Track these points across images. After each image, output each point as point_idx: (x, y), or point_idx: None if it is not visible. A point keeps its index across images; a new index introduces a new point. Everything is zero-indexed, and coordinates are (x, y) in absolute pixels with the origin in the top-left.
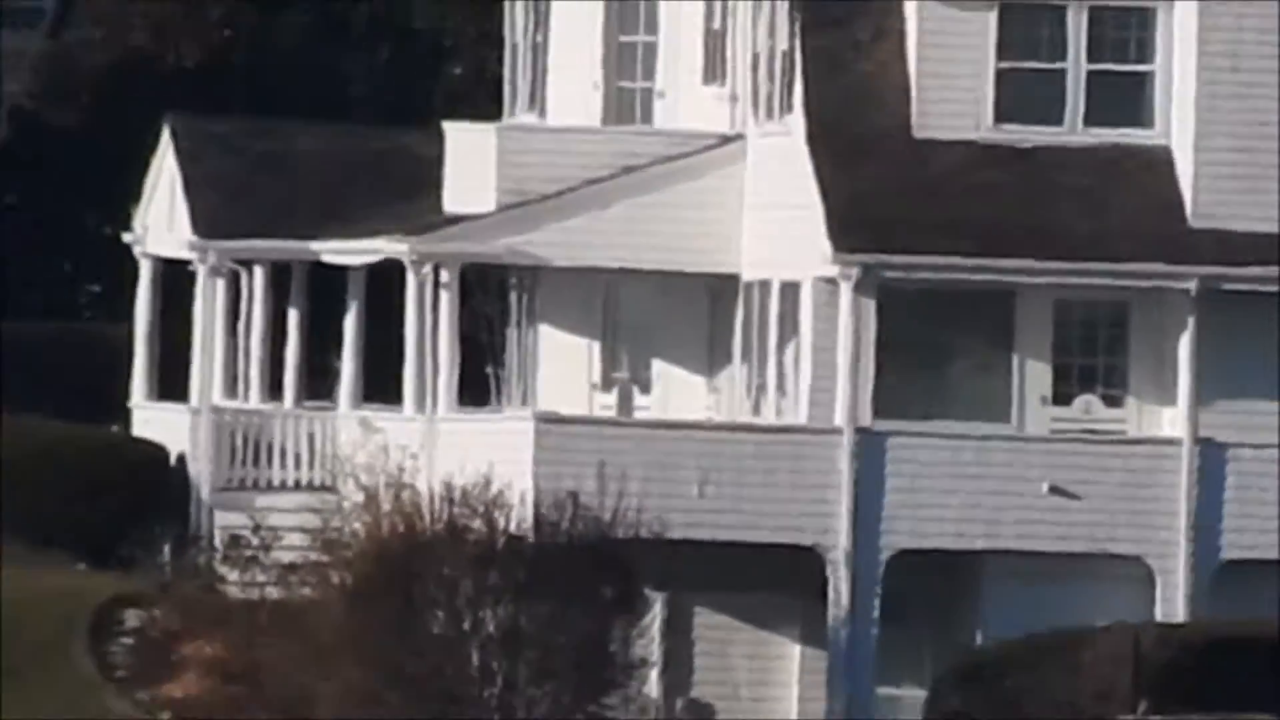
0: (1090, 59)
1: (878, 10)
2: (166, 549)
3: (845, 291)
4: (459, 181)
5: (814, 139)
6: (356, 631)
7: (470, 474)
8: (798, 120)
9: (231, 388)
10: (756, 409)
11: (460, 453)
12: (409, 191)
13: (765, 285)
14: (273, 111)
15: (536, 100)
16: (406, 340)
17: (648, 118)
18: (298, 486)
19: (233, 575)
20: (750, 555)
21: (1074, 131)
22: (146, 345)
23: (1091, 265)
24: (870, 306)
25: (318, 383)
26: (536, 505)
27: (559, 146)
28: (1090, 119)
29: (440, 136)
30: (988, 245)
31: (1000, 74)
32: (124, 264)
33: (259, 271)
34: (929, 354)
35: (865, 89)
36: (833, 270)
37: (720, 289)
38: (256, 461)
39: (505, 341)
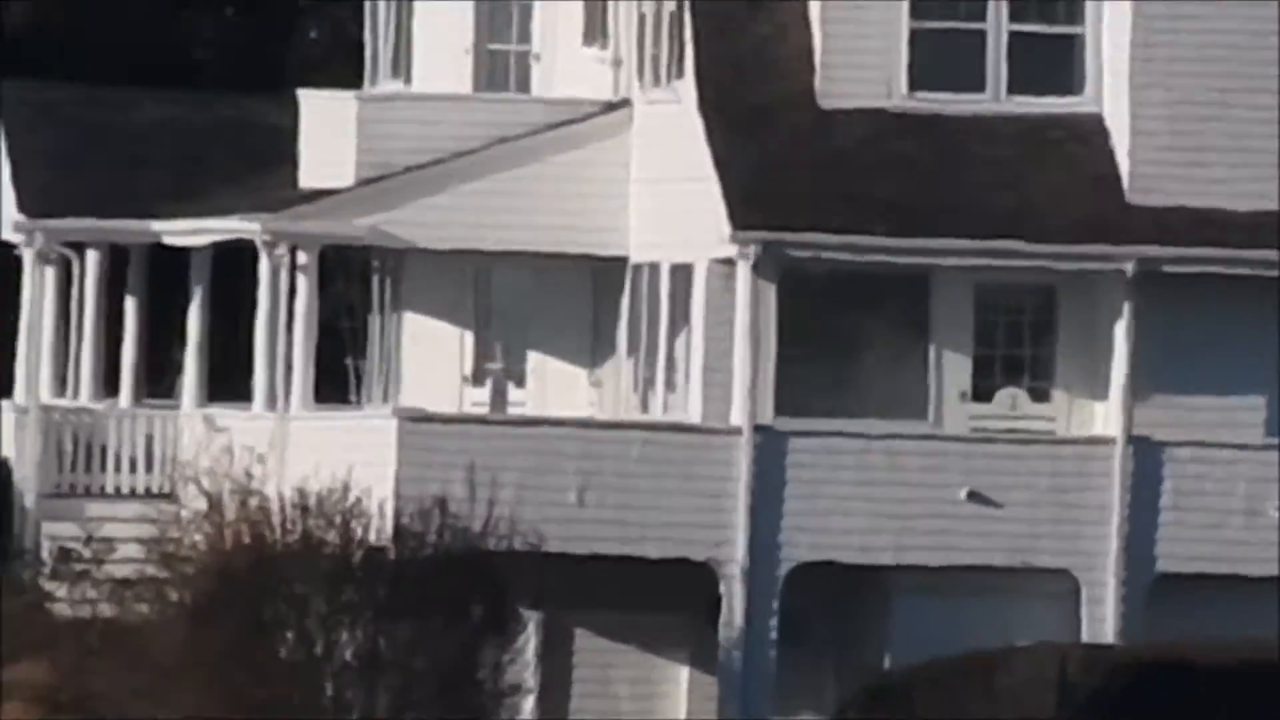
0: (1013, 19)
1: None
2: None
3: (743, 274)
4: (316, 154)
5: (707, 107)
6: (198, 655)
7: (326, 479)
8: (689, 86)
9: (61, 384)
10: (644, 405)
11: (315, 455)
12: (261, 165)
13: (654, 268)
14: (109, 78)
15: (401, 66)
16: (257, 330)
17: (523, 84)
18: (134, 493)
19: (61, 592)
20: (636, 570)
21: (996, 99)
22: None
23: (1015, 245)
24: (771, 291)
25: (157, 378)
26: (398, 514)
27: (426, 116)
28: (1014, 86)
29: (295, 105)
30: (900, 223)
31: (914, 35)
32: None
33: (92, 255)
34: (836, 344)
35: (764, 52)
36: (729, 250)
37: (605, 272)
38: (89, 466)
39: (367, 331)
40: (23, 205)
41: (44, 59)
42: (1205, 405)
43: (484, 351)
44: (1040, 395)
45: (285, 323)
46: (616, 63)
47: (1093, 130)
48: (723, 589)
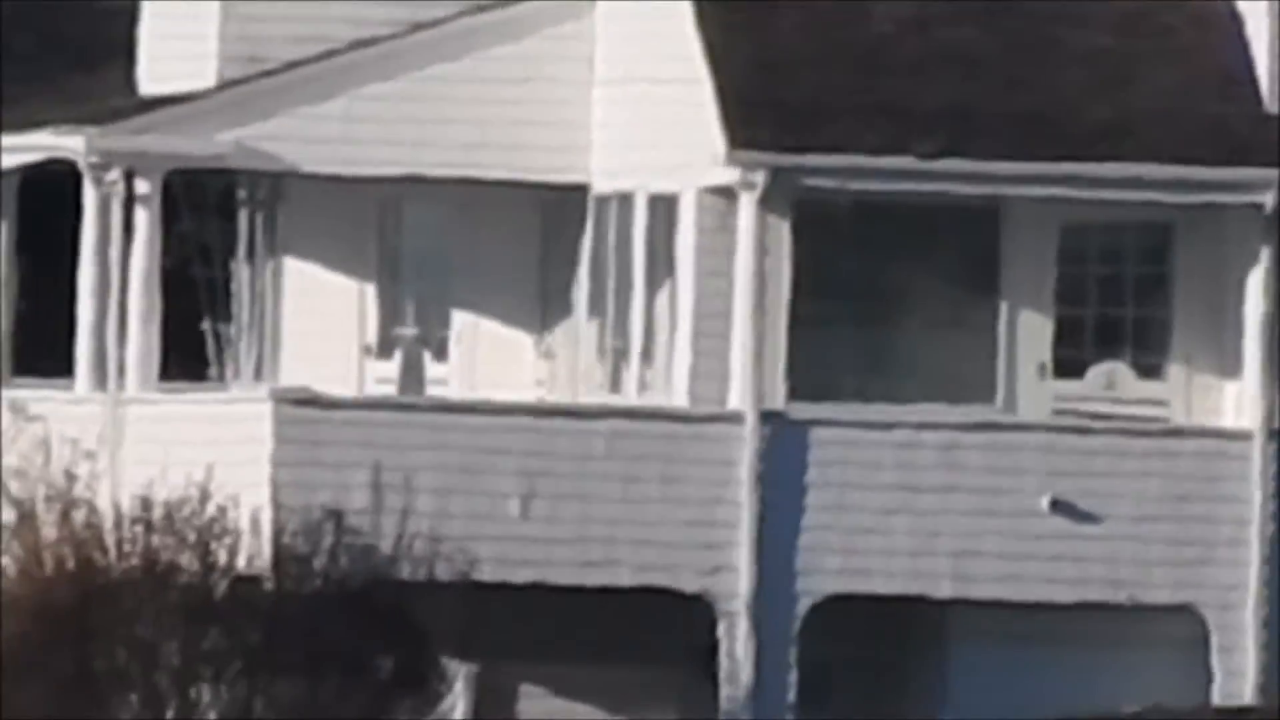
0: None
1: None
2: None
3: (746, 207)
4: (163, 46)
5: None
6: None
7: (177, 484)
8: None
9: None
10: (613, 384)
11: (161, 452)
12: (85, 61)
13: (625, 199)
14: None
15: None
16: (80, 282)
17: None
18: None
19: None
20: (603, 606)
21: None
22: None
23: (1114, 169)
24: (783, 230)
25: None
26: (278, 531)
27: None
28: None
29: None
30: (958, 139)
31: None
32: None
33: None
34: (870, 303)
35: None
36: (727, 176)
37: (557, 206)
38: None
39: (231, 284)
40: None
41: None
42: None
43: (392, 312)
44: (1148, 371)
45: (119, 273)
46: None
47: (1219, 16)
48: (721, 631)
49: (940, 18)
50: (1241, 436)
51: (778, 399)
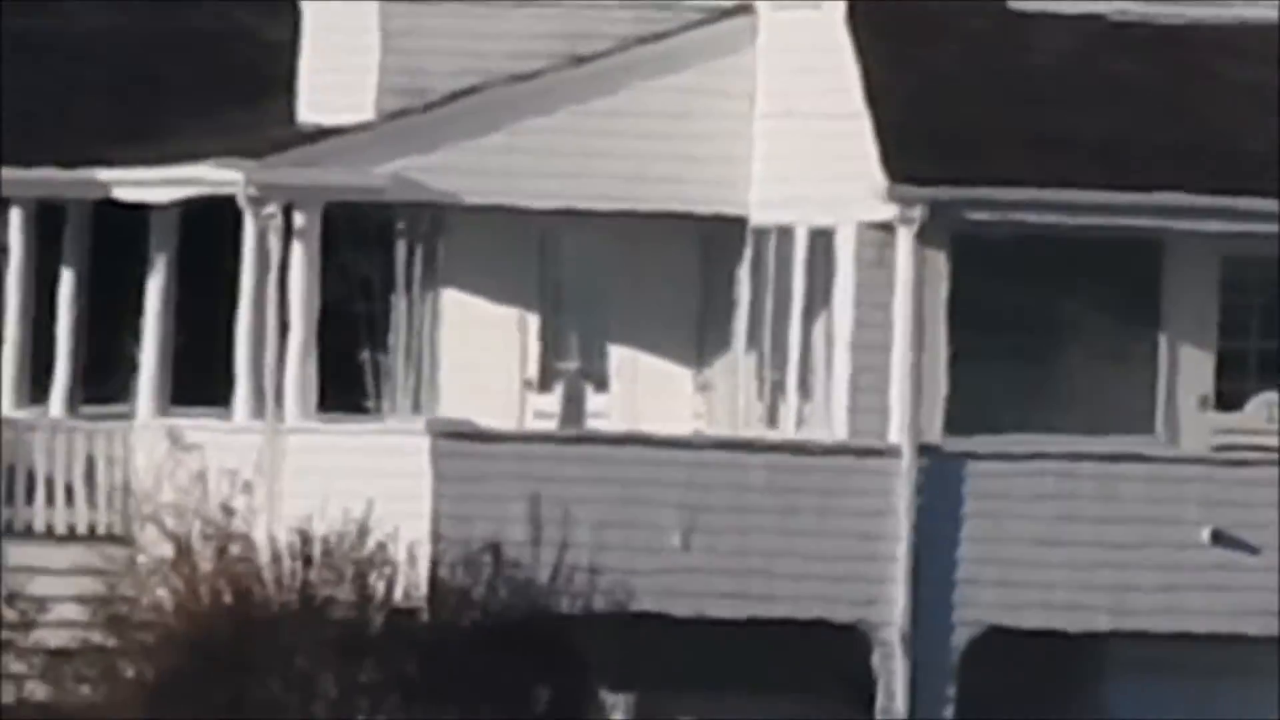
0: None
1: None
2: None
3: (905, 242)
4: (322, 79)
5: (858, 15)
6: None
7: (335, 517)
8: None
9: None
10: (771, 418)
11: (320, 484)
12: (247, 94)
13: (785, 233)
14: None
15: None
16: (239, 315)
17: None
18: (72, 535)
19: None
20: (760, 638)
21: (1250, 2)
22: None
23: (1276, 202)
24: (941, 264)
25: (102, 379)
26: (436, 564)
27: (472, 26)
28: None
29: (294, 11)
30: (1119, 172)
31: None
32: None
33: (16, 214)
34: (1029, 336)
35: None
36: (885, 211)
37: (717, 238)
38: (9, 497)
39: (390, 316)
40: None
41: None
42: None
43: (553, 345)
44: None
45: (277, 304)
46: None
47: None
48: (877, 662)
49: (1101, 49)
50: None
51: (935, 432)
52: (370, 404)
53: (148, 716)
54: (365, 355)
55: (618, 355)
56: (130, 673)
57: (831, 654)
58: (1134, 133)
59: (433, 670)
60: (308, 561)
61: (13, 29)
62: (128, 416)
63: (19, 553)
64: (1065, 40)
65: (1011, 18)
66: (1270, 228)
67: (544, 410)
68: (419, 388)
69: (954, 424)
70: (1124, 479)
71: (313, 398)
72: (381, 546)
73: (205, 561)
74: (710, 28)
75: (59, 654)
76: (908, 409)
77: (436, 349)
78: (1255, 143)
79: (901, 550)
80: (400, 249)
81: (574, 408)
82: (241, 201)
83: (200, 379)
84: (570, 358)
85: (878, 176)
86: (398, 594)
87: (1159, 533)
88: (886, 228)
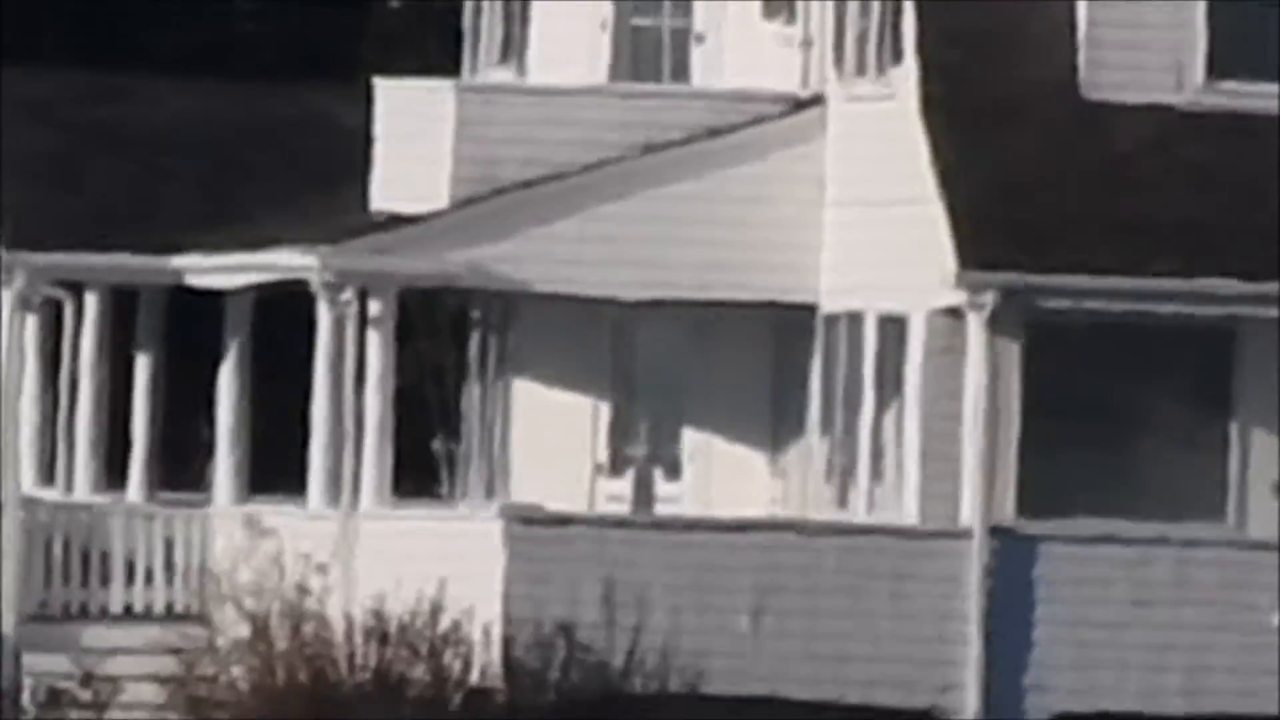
0: None
1: None
2: None
3: (976, 329)
4: (397, 166)
5: (932, 103)
6: None
7: (409, 598)
8: (907, 76)
9: (48, 471)
10: (842, 501)
11: (394, 566)
12: (322, 180)
13: (855, 319)
14: (118, 64)
15: (513, 48)
16: (314, 401)
17: (680, 72)
18: (149, 615)
19: None
20: None
21: None
22: None
23: None
24: (1013, 351)
25: (180, 465)
26: (509, 644)
27: (546, 114)
28: None
29: (369, 99)
30: (1192, 259)
31: (1213, 9)
32: None
33: (91, 300)
34: (1101, 421)
35: (1010, 28)
36: (956, 298)
37: (788, 325)
38: (86, 579)
39: (463, 403)
40: None
41: (31, 39)
42: None
43: (625, 431)
44: None
45: (352, 392)
46: (807, 44)
47: None
48: None
49: (1175, 137)
50: None
51: (1007, 515)
52: (444, 489)
53: None
54: (438, 441)
55: (691, 440)
56: None
57: None
58: (1206, 220)
59: None
60: (383, 640)
61: (95, 117)
62: (204, 503)
63: (96, 634)
64: (1138, 128)
65: (1084, 106)
66: None
67: (615, 494)
68: (491, 473)
69: (1026, 509)
70: (1196, 564)
71: (387, 484)
72: (456, 626)
73: (281, 640)
74: (781, 120)
75: None
76: (979, 492)
77: (509, 435)
78: None
79: (974, 634)
80: (474, 336)
81: (644, 492)
82: (316, 287)
83: (276, 464)
84: (641, 444)
85: (949, 262)
86: (473, 674)
87: (1231, 617)
88: (957, 314)
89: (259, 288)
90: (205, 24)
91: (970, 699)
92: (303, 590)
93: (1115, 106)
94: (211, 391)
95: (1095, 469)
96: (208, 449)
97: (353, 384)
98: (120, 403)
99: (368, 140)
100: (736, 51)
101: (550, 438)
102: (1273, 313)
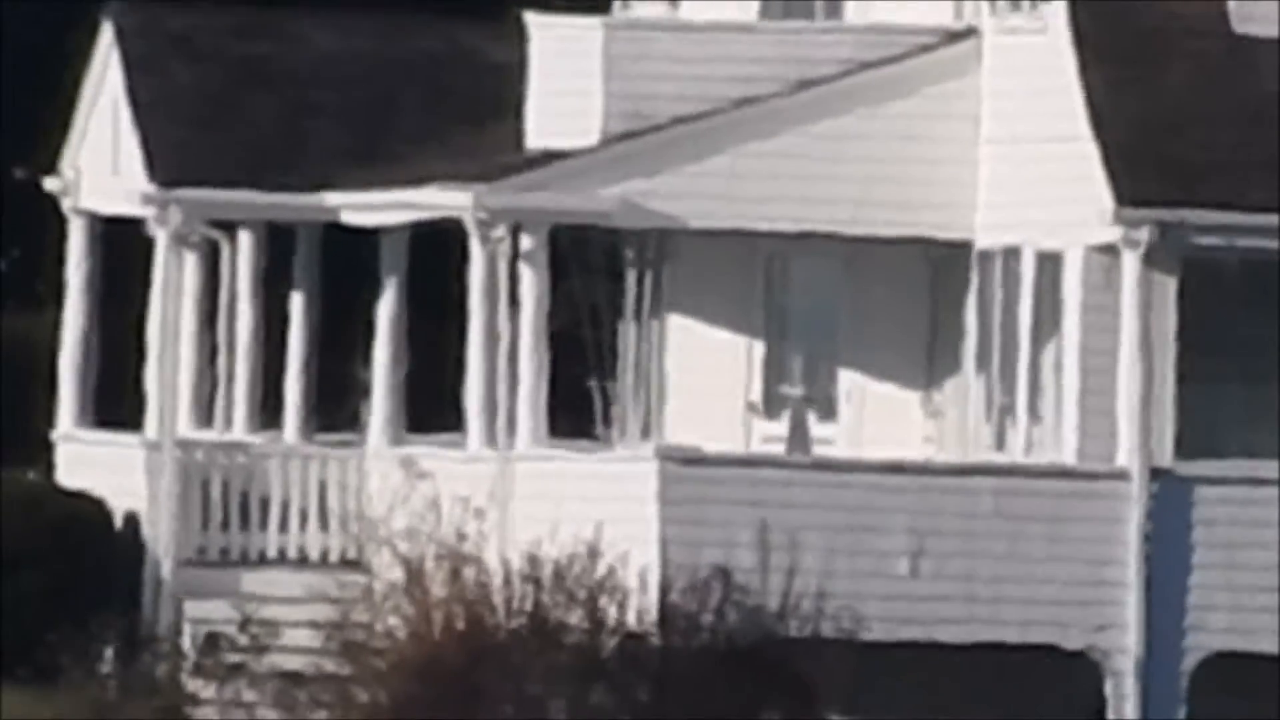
0: None
1: None
2: (109, 653)
3: (1132, 265)
4: (548, 102)
5: (1084, 36)
6: None
7: (565, 542)
8: (1058, 9)
9: (206, 412)
10: (1000, 442)
11: (550, 509)
12: (472, 116)
13: (1012, 255)
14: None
15: None
16: (470, 340)
17: (831, 8)
18: (305, 561)
19: (209, 693)
20: (989, 663)
21: None
22: (81, 348)
23: None
24: (1170, 288)
25: (335, 406)
26: (665, 589)
27: (697, 51)
28: None
29: (520, 35)
30: None
31: None
32: (46, 224)
33: (246, 237)
34: (1259, 360)
35: None
36: (1112, 234)
37: (944, 262)
38: (244, 523)
39: (617, 342)
40: (153, 171)
41: None
42: None
43: (779, 371)
44: None
45: (508, 329)
46: None
47: None
48: (1108, 688)
49: None
50: None
51: (1165, 456)
52: (599, 430)
53: None
54: (593, 382)
55: (846, 380)
56: (364, 698)
57: (1060, 680)
58: None
59: (664, 695)
60: (539, 585)
61: (243, 54)
62: (360, 444)
63: (255, 578)
64: None
65: (1237, 40)
66: None
67: (770, 435)
68: (647, 414)
69: (1183, 449)
70: None
71: (543, 425)
72: (611, 571)
73: (438, 586)
74: (934, 54)
75: (292, 679)
76: (1136, 433)
77: (664, 375)
78: None
79: (1132, 575)
80: (629, 275)
81: (800, 433)
82: (469, 225)
83: (431, 405)
84: (796, 383)
85: (1104, 199)
86: (629, 619)
87: None
88: (1113, 251)
89: (413, 226)
90: None
91: (1129, 639)
92: (460, 535)
93: (1266, 40)
94: (367, 331)
95: (1252, 408)
96: (364, 389)
97: (507, 323)
98: (276, 343)
99: (519, 76)
100: None
101: (705, 377)
102: None
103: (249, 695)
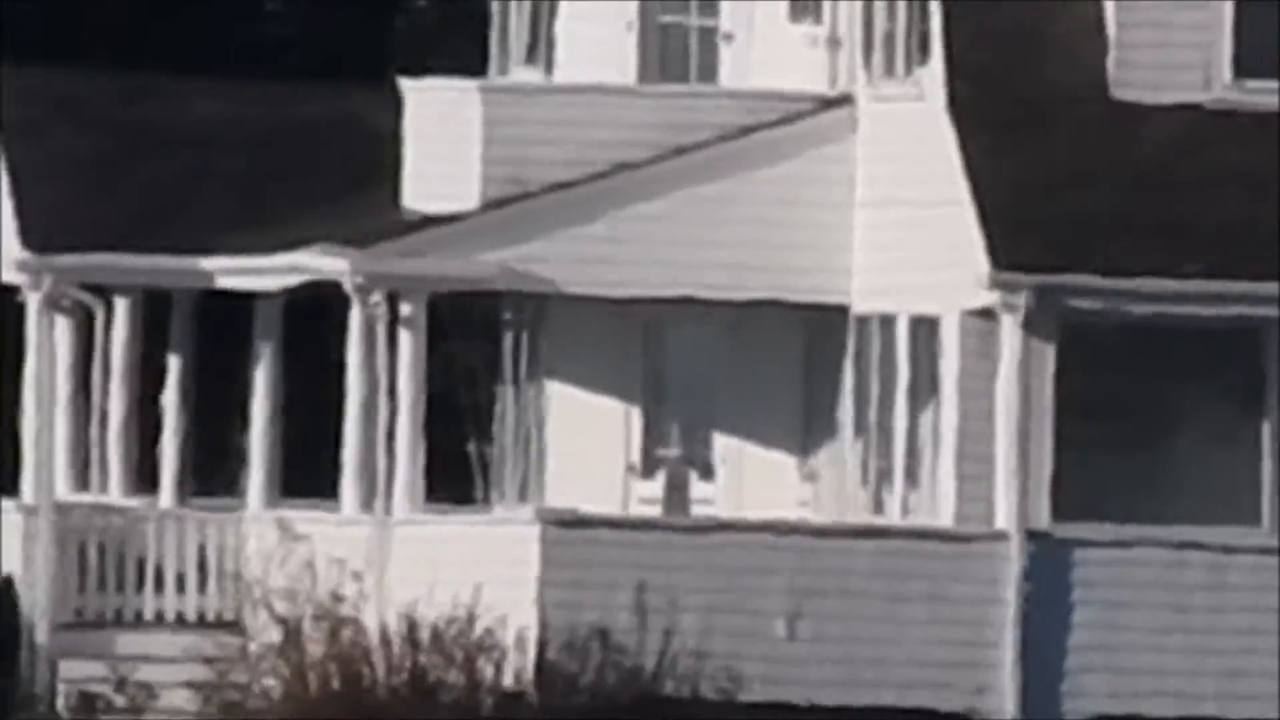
0: None
1: None
2: None
3: (1010, 330)
4: (427, 167)
5: (961, 103)
6: None
7: (443, 603)
8: (935, 76)
9: (82, 476)
10: (877, 504)
11: (428, 572)
12: (353, 182)
13: (888, 322)
14: (149, 64)
15: (540, 48)
16: (347, 405)
17: (708, 73)
18: (182, 622)
19: None
20: None
21: None
22: None
23: None
24: (1047, 353)
25: (212, 470)
26: (544, 649)
27: (576, 115)
28: None
29: (397, 101)
30: (1224, 260)
31: (1241, 7)
32: None
33: (122, 304)
34: (1135, 424)
35: (1038, 28)
36: (989, 299)
37: (820, 327)
38: (121, 585)
39: (496, 406)
40: (28, 236)
41: (60, 38)
42: None
43: (657, 433)
44: None
45: (385, 395)
46: (835, 44)
47: None
48: None
49: (1205, 138)
50: None
51: (1043, 519)
52: (478, 493)
53: None
54: (471, 445)
55: (722, 443)
56: None
57: None
58: (1237, 220)
59: None
60: (417, 646)
61: (129, 118)
62: (237, 508)
63: (130, 640)
64: (1167, 128)
65: (1113, 107)
66: None
67: (648, 497)
68: (525, 476)
69: (1061, 512)
70: (1232, 568)
71: (420, 489)
72: (489, 631)
73: (315, 646)
74: (811, 119)
75: None
76: (1014, 495)
77: (543, 438)
78: None
79: (1010, 638)
80: (506, 339)
81: (677, 495)
82: (348, 289)
83: (309, 469)
84: (673, 445)
85: (981, 264)
86: (507, 678)
87: (1267, 621)
88: (990, 315)
89: (290, 290)
90: (237, 25)
91: (1007, 702)
92: (336, 597)
93: (1144, 106)
94: (244, 395)
95: (1129, 471)
96: (240, 453)
97: (385, 388)
98: (152, 406)
99: (398, 141)
100: (764, 51)
101: (583, 440)
102: None
103: None
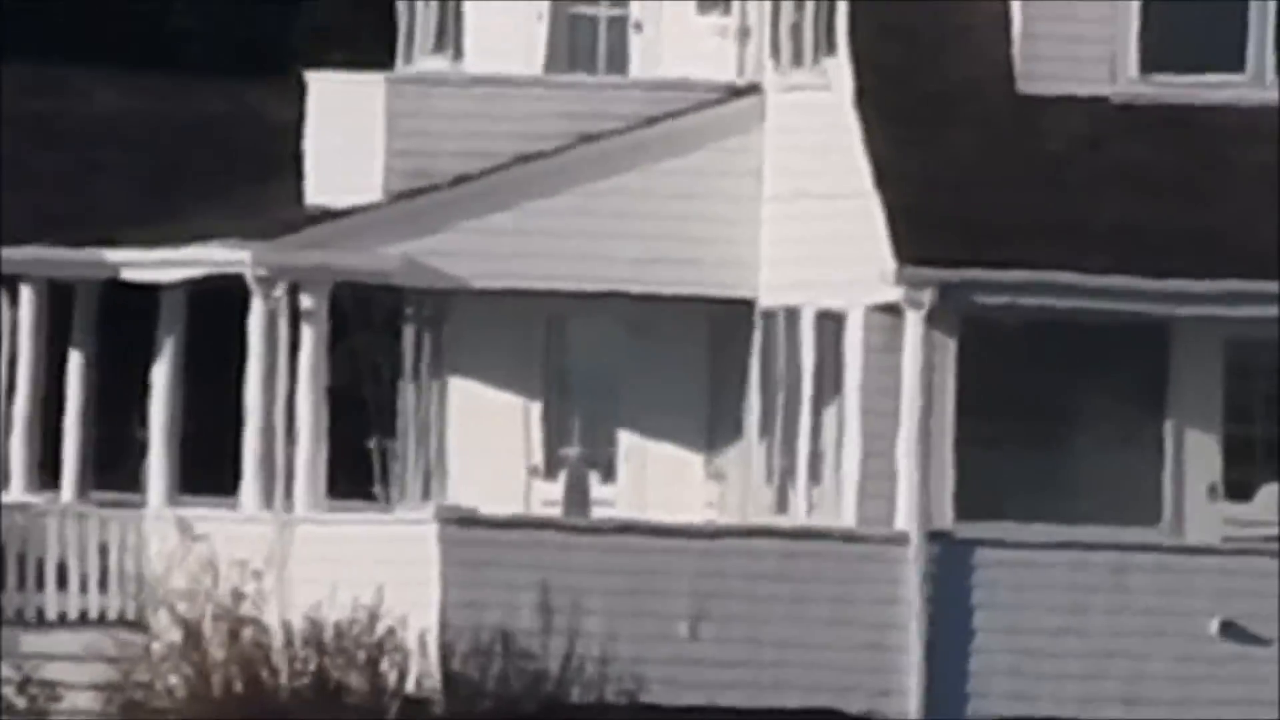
0: None
1: None
2: None
3: (913, 325)
4: (329, 160)
5: (867, 95)
6: None
7: (345, 604)
8: (842, 67)
9: None
10: (781, 505)
11: (329, 572)
12: (256, 175)
13: (793, 315)
14: (53, 56)
15: (447, 38)
16: (247, 400)
17: (617, 63)
18: (84, 621)
19: None
20: None
21: (1260, 84)
22: None
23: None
24: (950, 348)
25: (113, 465)
26: (445, 652)
27: (480, 107)
28: None
29: (300, 92)
30: (1128, 256)
31: (1148, 1)
32: None
33: (26, 294)
34: (1038, 422)
35: (944, 21)
36: (894, 294)
37: (725, 321)
38: (21, 583)
39: (397, 402)
40: None
41: None
42: None
43: (559, 432)
44: None
45: (286, 390)
46: (743, 34)
47: None
48: None
49: (1111, 133)
50: None
51: (945, 519)
52: (379, 491)
53: None
54: (373, 442)
55: (626, 442)
56: None
57: None
58: (1143, 217)
59: None
60: (320, 647)
61: (26, 110)
62: (138, 505)
63: (31, 640)
64: (1074, 123)
65: (1020, 101)
66: (1274, 311)
67: (550, 498)
68: (427, 474)
69: (963, 511)
70: (1132, 569)
71: (322, 486)
72: (391, 633)
73: (217, 647)
74: (718, 109)
75: None
76: (916, 495)
77: (444, 435)
78: (1264, 226)
79: (913, 639)
80: (408, 334)
81: (578, 495)
82: (249, 282)
83: (210, 464)
84: (575, 444)
85: (887, 259)
86: (410, 682)
87: (1169, 623)
88: (895, 310)
89: (193, 283)
90: (140, 18)
91: (911, 704)
92: (237, 596)
93: (1050, 99)
94: (145, 389)
95: (1031, 470)
96: (141, 448)
97: (287, 382)
98: (53, 400)
99: (298, 133)
100: (674, 42)
101: (486, 438)
102: (1208, 311)
103: None
